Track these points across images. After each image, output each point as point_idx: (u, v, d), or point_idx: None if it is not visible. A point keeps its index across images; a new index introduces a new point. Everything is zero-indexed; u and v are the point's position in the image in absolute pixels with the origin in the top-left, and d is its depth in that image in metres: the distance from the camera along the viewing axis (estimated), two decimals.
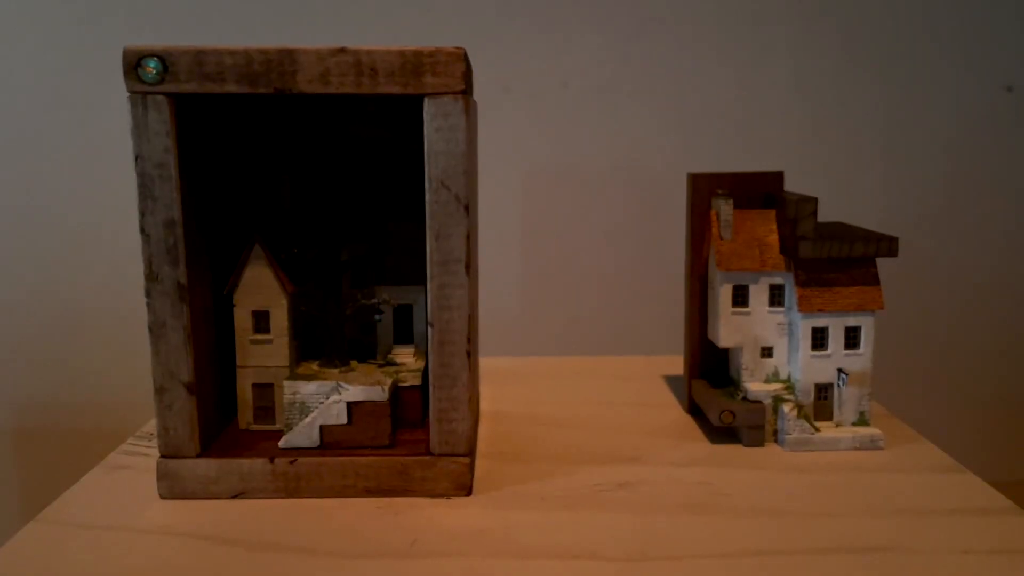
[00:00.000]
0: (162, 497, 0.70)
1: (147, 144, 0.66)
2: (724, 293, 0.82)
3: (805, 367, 0.80)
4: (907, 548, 0.62)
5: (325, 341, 0.77)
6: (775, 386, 0.82)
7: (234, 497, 0.70)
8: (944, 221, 1.33)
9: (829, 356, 0.80)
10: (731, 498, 0.70)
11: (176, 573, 0.59)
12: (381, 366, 0.79)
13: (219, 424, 0.76)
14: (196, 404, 0.70)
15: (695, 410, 0.90)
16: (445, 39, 0.68)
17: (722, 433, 0.84)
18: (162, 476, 0.70)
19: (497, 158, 1.24)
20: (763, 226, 0.82)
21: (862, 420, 0.81)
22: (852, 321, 0.79)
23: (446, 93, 0.66)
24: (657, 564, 0.60)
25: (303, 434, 0.72)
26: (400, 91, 0.66)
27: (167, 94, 0.65)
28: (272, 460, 0.70)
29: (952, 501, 0.69)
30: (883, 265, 0.80)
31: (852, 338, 0.79)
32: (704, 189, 0.86)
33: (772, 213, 0.83)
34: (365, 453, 0.71)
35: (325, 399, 0.72)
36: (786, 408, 0.80)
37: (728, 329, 0.82)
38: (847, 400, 0.80)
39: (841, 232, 0.82)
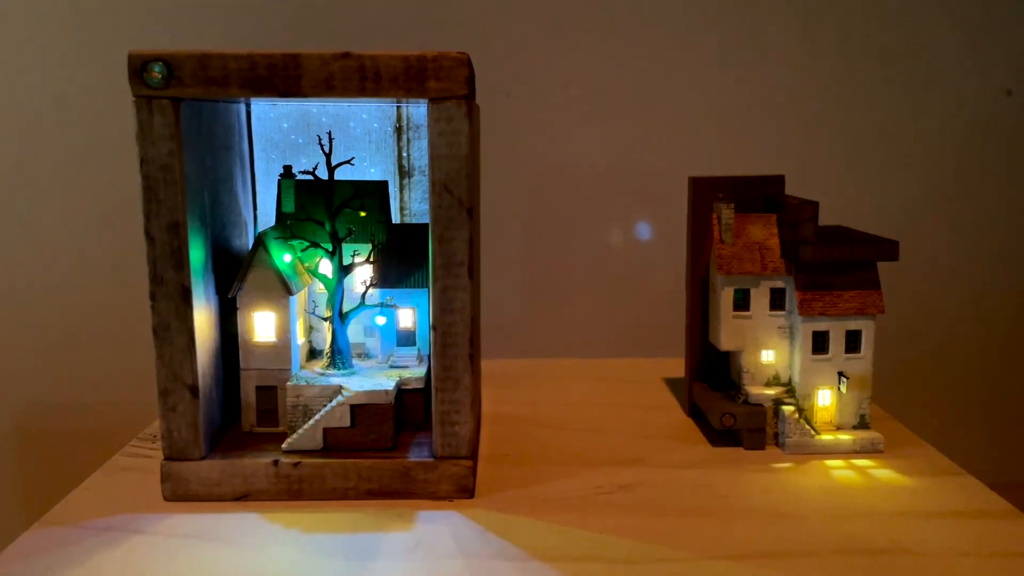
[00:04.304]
0: (166, 499, 0.70)
1: (152, 148, 0.66)
2: (725, 296, 0.82)
3: (805, 370, 0.80)
4: (907, 551, 0.62)
5: (329, 343, 0.78)
6: (776, 389, 0.82)
7: (238, 499, 0.71)
8: (944, 224, 1.34)
9: (830, 359, 0.80)
10: (731, 500, 0.71)
11: (180, 575, 0.60)
12: (384, 369, 0.79)
13: (223, 426, 0.76)
14: (200, 406, 0.70)
15: (696, 413, 0.90)
16: (446, 44, 0.69)
17: (723, 436, 0.84)
18: (166, 478, 0.70)
19: (499, 162, 1.25)
20: (764, 230, 0.83)
21: (862, 423, 0.81)
22: (852, 325, 0.79)
23: (449, 98, 0.66)
24: (658, 566, 0.60)
25: (307, 436, 0.72)
26: (403, 96, 0.66)
27: (172, 98, 0.66)
28: (275, 462, 0.70)
29: (952, 504, 0.70)
30: (883, 269, 0.80)
31: (852, 341, 0.80)
32: (705, 193, 0.86)
33: (773, 217, 0.83)
34: (368, 455, 0.71)
35: (328, 402, 0.73)
36: (786, 411, 0.80)
37: (729, 332, 0.83)
38: (847, 403, 0.81)
39: (842, 236, 0.82)
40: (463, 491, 0.71)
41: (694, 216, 0.87)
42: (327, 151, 0.76)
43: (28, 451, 1.33)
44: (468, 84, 0.66)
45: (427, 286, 0.73)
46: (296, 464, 0.70)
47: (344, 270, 0.77)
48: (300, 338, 0.79)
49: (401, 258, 0.80)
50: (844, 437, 0.80)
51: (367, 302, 0.79)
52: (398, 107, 0.84)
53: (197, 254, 0.70)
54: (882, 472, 0.76)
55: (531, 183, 1.30)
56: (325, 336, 0.79)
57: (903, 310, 1.29)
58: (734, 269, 0.81)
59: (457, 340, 0.70)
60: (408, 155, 0.85)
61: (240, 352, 0.76)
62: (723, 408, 0.81)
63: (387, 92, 0.66)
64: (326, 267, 0.79)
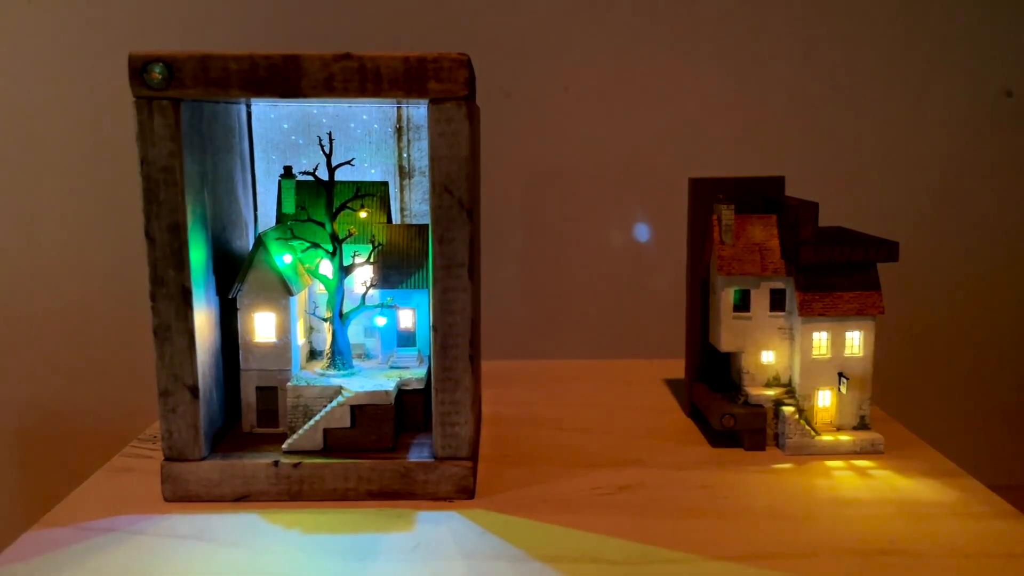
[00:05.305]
0: (166, 500, 0.70)
1: (152, 148, 0.66)
2: (725, 297, 0.82)
3: (805, 371, 0.80)
4: (907, 552, 0.62)
5: (329, 344, 0.78)
6: (776, 390, 0.82)
7: (238, 500, 0.71)
8: (944, 226, 1.34)
9: (829, 360, 0.80)
10: (731, 501, 0.71)
11: None
12: (384, 369, 0.79)
13: (223, 427, 0.77)
14: (200, 407, 0.70)
15: (696, 414, 0.90)
16: (446, 44, 0.69)
17: (723, 437, 0.84)
18: (166, 479, 0.70)
19: (499, 162, 1.25)
20: (764, 231, 0.83)
21: (862, 424, 0.81)
22: (852, 325, 0.79)
23: (449, 99, 0.66)
24: (658, 567, 0.60)
25: (307, 437, 0.72)
26: (404, 97, 0.66)
27: (172, 99, 0.66)
28: (276, 463, 0.70)
29: (952, 505, 0.70)
30: (883, 270, 0.80)
31: (852, 342, 0.80)
32: (705, 194, 0.86)
33: (773, 218, 0.83)
34: (368, 456, 0.71)
35: (328, 402, 0.73)
36: (786, 412, 0.80)
37: (729, 333, 0.83)
38: (847, 404, 0.81)
39: (842, 237, 0.82)
40: (463, 492, 0.71)
41: (694, 217, 0.87)
42: (327, 152, 0.76)
43: (28, 451, 1.33)
44: (468, 85, 0.66)
45: (427, 287, 0.73)
46: (296, 465, 0.70)
47: (344, 271, 0.77)
48: (300, 339, 0.79)
49: (401, 259, 0.80)
50: (844, 438, 0.80)
51: (367, 303, 0.79)
52: (398, 108, 0.84)
53: (198, 255, 0.70)
54: (882, 473, 0.76)
55: (531, 183, 1.31)
56: (325, 337, 0.79)
57: (903, 311, 1.30)
58: (734, 270, 0.81)
59: (457, 341, 0.70)
60: (408, 156, 0.85)
61: (240, 353, 0.76)
62: (723, 409, 0.81)
63: (387, 93, 0.66)
64: (326, 268, 0.79)
